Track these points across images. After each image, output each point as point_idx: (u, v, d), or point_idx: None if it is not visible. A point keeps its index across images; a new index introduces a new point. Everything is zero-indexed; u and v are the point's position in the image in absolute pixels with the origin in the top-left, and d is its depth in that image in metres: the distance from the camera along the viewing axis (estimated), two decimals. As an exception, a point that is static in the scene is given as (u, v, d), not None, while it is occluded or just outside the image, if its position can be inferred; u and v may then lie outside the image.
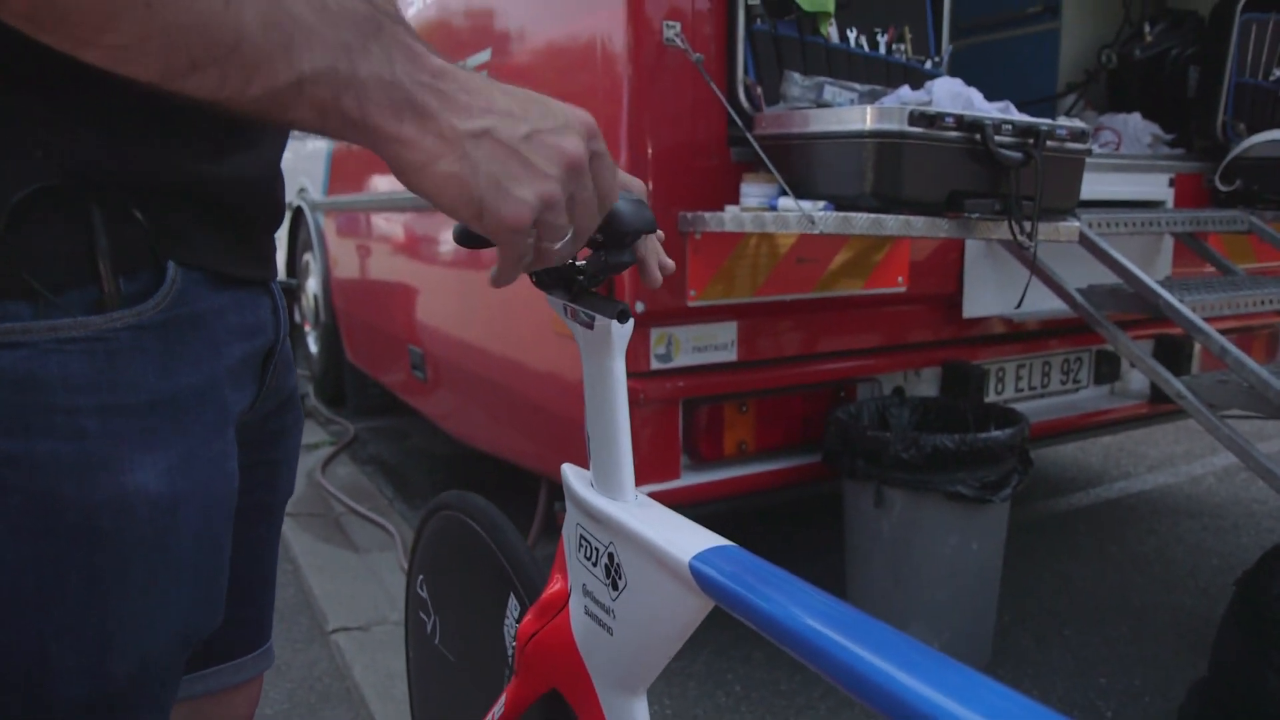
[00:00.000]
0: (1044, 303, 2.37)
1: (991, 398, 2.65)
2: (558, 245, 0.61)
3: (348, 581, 2.78)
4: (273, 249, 0.79)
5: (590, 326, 0.75)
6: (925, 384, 2.60)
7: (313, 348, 4.95)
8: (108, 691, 0.64)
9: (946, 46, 2.41)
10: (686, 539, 0.70)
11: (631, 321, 0.74)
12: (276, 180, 0.76)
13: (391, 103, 0.54)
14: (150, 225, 0.62)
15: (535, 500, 2.82)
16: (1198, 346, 2.81)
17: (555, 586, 0.92)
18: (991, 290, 2.50)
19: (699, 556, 0.68)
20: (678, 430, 2.18)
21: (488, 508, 1.20)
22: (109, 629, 0.63)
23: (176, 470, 0.64)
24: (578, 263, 0.75)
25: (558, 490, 2.64)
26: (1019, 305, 2.15)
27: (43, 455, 0.58)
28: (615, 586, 0.78)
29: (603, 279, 0.74)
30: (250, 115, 0.53)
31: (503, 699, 1.01)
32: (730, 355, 2.20)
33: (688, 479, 2.21)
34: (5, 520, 0.58)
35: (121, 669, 0.64)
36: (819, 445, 2.29)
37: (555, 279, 0.77)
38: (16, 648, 0.60)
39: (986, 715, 0.46)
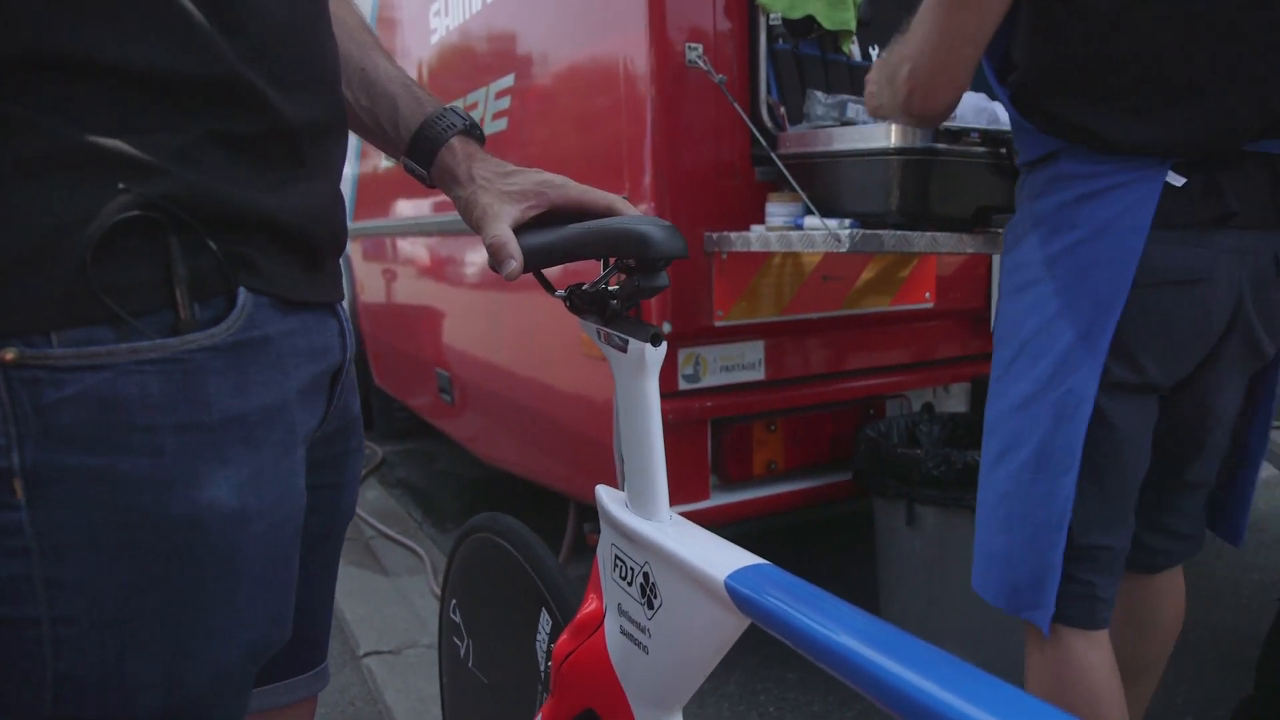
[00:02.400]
0: (1073, 317, 2.35)
1: (1022, 413, 2.63)
2: None
3: (378, 605, 2.79)
4: (338, 272, 0.81)
5: (624, 350, 0.76)
6: (955, 400, 2.59)
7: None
8: (184, 702, 0.66)
9: (969, 62, 2.41)
10: (722, 557, 0.71)
11: (664, 345, 0.74)
12: (337, 206, 0.79)
13: None
14: (222, 254, 0.65)
15: (564, 522, 2.83)
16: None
17: (590, 606, 0.92)
18: (1020, 305, 2.48)
19: (735, 575, 0.68)
20: (706, 450, 2.17)
21: (518, 527, 1.20)
22: (184, 640, 0.65)
23: (247, 486, 0.66)
24: (610, 287, 0.75)
25: (587, 512, 2.66)
26: (1048, 320, 2.13)
27: (123, 472, 0.60)
28: (651, 605, 0.78)
29: (635, 303, 0.75)
30: None
31: (538, 719, 1.01)
32: (758, 374, 2.20)
33: (717, 499, 2.20)
34: (88, 534, 0.60)
35: (196, 680, 0.66)
36: (849, 463, 2.28)
37: (589, 303, 0.77)
38: (96, 659, 0.62)
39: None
